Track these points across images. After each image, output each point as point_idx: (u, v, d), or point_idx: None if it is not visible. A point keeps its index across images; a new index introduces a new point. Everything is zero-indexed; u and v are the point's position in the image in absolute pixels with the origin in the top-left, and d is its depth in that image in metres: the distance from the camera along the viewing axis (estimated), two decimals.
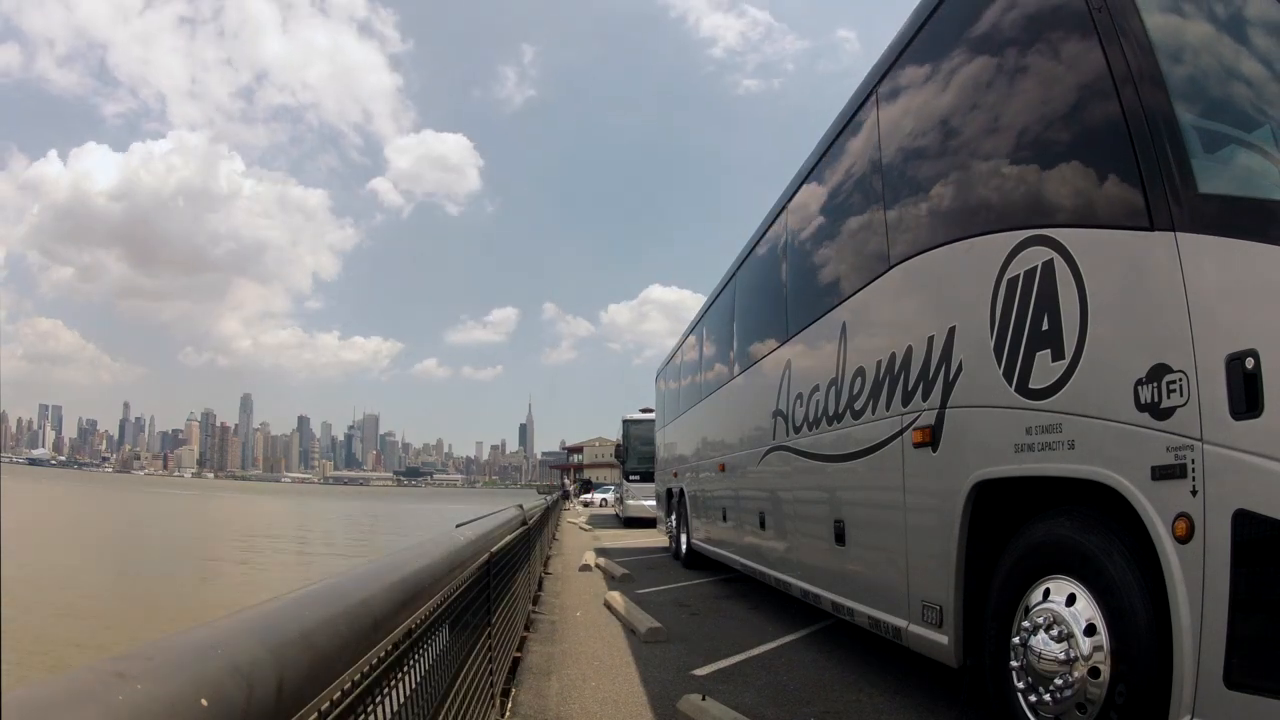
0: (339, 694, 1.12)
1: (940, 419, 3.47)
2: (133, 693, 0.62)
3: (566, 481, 62.79)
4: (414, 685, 1.66)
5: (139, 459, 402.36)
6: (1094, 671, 2.47)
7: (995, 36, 3.30)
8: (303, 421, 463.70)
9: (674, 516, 11.44)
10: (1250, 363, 1.97)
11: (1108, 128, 2.52)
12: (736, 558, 7.75)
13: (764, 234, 7.02)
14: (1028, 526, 2.93)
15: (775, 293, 6.53)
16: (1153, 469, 2.22)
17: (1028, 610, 2.80)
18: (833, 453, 4.87)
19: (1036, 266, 2.83)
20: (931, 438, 3.53)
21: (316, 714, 1.01)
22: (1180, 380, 2.16)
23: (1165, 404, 2.21)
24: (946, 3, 3.70)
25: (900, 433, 3.85)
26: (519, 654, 4.82)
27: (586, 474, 66.43)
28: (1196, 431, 2.10)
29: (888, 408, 4.02)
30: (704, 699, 3.74)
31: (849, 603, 4.54)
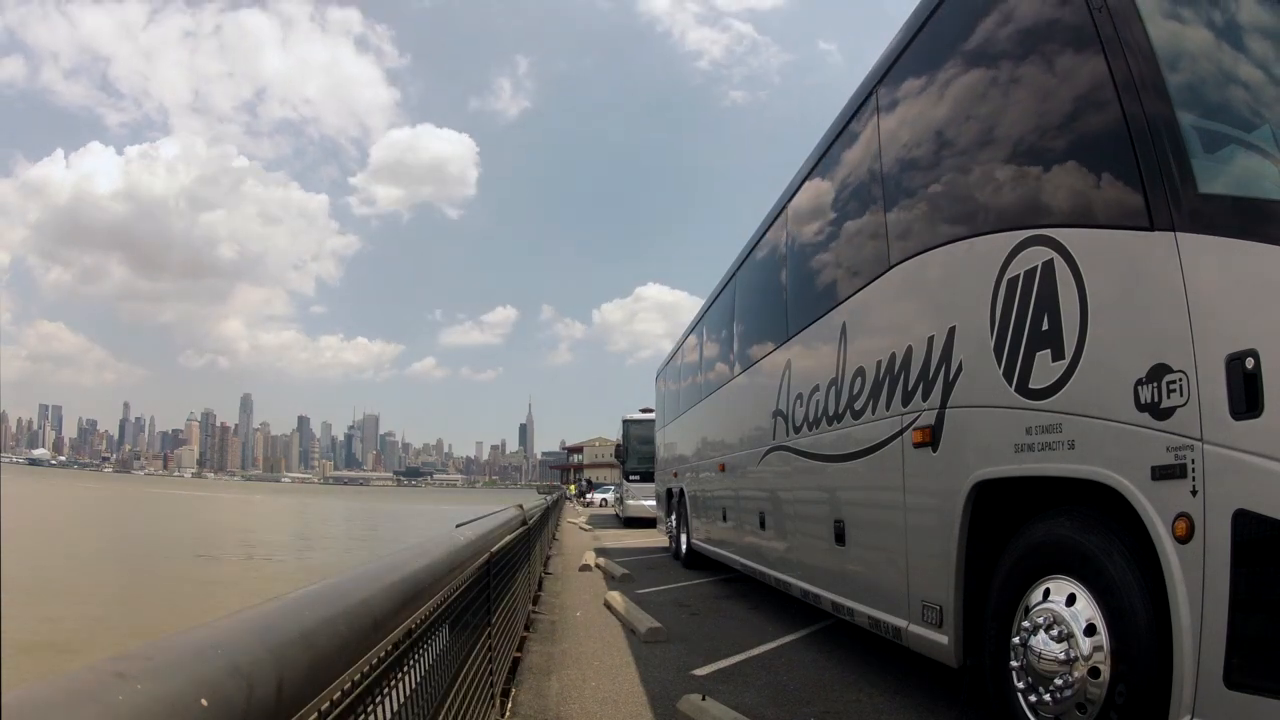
0: (339, 694, 1.12)
1: (940, 419, 3.47)
2: (133, 693, 0.63)
3: (568, 487, 54.69)
4: (414, 685, 1.66)
5: (139, 459, 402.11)
6: (1094, 671, 2.47)
7: (996, 36, 3.29)
8: (303, 421, 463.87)
9: (674, 516, 11.44)
10: (1250, 363, 1.97)
11: (1107, 128, 2.52)
12: (736, 558, 7.74)
13: (764, 234, 7.01)
14: (1028, 526, 2.93)
15: (775, 293, 6.53)
16: (1153, 469, 2.22)
17: (1028, 610, 2.80)
18: (833, 453, 4.87)
19: (1036, 266, 2.83)
20: (931, 438, 3.52)
21: (316, 714, 1.01)
22: (1180, 380, 2.16)
23: (1165, 404, 2.21)
24: (946, 3, 3.70)
25: (900, 433, 3.85)
26: (519, 654, 4.82)
27: (586, 474, 65.89)
28: (1196, 431, 2.09)
29: (888, 408, 4.02)
30: (704, 699, 3.74)
31: (849, 603, 4.53)
